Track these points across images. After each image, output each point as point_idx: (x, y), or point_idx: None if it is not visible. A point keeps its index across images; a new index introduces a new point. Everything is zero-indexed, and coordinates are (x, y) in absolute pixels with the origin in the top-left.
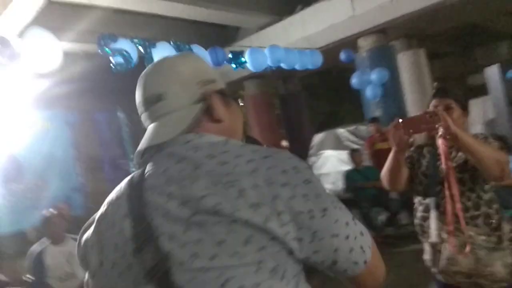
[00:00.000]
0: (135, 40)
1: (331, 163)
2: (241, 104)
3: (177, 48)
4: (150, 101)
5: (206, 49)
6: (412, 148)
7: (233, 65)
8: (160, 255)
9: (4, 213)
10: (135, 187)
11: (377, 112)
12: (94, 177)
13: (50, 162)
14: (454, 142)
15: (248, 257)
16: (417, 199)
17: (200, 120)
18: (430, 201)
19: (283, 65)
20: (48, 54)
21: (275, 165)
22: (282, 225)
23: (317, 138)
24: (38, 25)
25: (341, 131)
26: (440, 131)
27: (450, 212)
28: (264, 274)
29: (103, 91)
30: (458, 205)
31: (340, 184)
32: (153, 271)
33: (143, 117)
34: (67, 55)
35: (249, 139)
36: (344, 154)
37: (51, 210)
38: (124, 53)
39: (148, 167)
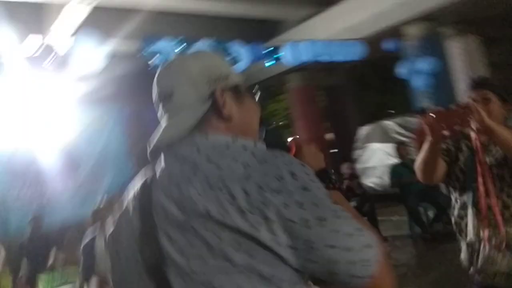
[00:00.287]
0: (176, 40)
1: (378, 156)
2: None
3: (218, 45)
4: (162, 99)
5: (246, 45)
6: (450, 141)
7: (270, 61)
8: (160, 254)
9: (64, 204)
10: (147, 186)
11: (426, 103)
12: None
13: (105, 155)
14: (488, 136)
15: (239, 263)
16: (454, 196)
17: (209, 119)
18: (467, 198)
19: (323, 58)
20: (97, 55)
21: (271, 170)
22: (273, 234)
23: (363, 130)
24: (87, 29)
25: (388, 123)
26: (473, 124)
27: (484, 208)
28: (256, 281)
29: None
30: (494, 201)
31: (386, 179)
32: (154, 269)
33: (159, 114)
34: (117, 55)
35: (270, 134)
36: (391, 147)
37: (104, 201)
38: (163, 53)
39: (157, 167)
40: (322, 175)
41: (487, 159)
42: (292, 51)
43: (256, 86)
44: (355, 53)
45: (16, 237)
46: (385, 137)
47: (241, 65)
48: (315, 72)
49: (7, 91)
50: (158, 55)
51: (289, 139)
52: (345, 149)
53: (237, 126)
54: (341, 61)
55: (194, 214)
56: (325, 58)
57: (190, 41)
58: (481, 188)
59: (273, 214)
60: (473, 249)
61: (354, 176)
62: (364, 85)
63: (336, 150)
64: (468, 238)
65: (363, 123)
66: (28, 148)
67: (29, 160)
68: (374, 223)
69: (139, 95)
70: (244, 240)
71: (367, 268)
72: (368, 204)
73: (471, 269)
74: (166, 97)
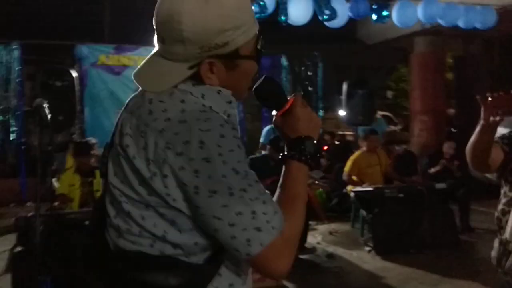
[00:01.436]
0: None
1: None
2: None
3: None
4: (156, 34)
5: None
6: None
7: (374, 17)
8: (105, 162)
9: None
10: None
11: None
12: (251, 115)
13: None
14: None
15: (141, 195)
16: (503, 189)
17: (192, 79)
18: None
19: (440, 22)
20: None
21: (182, 133)
22: (165, 187)
23: None
24: None
25: None
26: None
27: None
28: (152, 213)
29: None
30: None
31: None
32: (102, 173)
33: (154, 41)
34: None
35: (267, 83)
36: None
37: None
38: (261, 2)
39: (134, 98)
40: (296, 143)
41: None
42: (401, 11)
43: (262, 42)
44: (481, 21)
45: None
46: None
47: (338, 21)
48: (447, 37)
49: None
50: (255, 2)
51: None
52: (468, 130)
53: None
54: (463, 27)
55: (122, 144)
56: (442, 22)
57: None
58: None
59: (168, 171)
60: (504, 249)
61: (455, 158)
62: (503, 60)
63: (455, 130)
64: (504, 236)
65: None
66: None
67: None
68: (464, 211)
69: None
70: (145, 181)
71: (247, 247)
72: (463, 190)
73: (499, 268)
74: (158, 37)
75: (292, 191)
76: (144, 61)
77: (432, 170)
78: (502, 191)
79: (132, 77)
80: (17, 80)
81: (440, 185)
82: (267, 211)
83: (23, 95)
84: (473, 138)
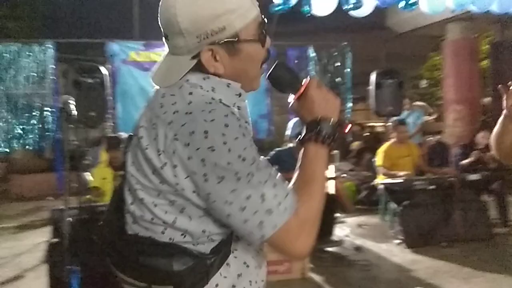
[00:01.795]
0: None
1: None
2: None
3: None
4: (163, 35)
5: None
6: None
7: (402, 4)
8: (126, 152)
9: None
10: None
11: None
12: (279, 107)
13: None
14: None
15: (153, 183)
16: None
17: (197, 70)
18: None
19: (472, 8)
20: None
21: (188, 123)
22: (175, 176)
23: None
24: None
25: None
26: None
27: None
28: (163, 200)
29: (296, 30)
30: None
31: None
32: (123, 164)
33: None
34: None
35: (280, 68)
36: None
37: None
38: None
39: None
40: (312, 125)
41: None
42: None
43: (263, 23)
44: None
45: None
46: None
47: (364, 10)
48: (483, 23)
49: None
50: None
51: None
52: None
53: (227, 76)
54: (499, 12)
55: (137, 135)
56: (474, 8)
57: None
58: None
59: (178, 161)
60: None
61: (489, 149)
62: None
63: (489, 119)
64: None
65: None
66: None
67: None
68: (501, 203)
69: (285, 36)
70: (157, 169)
71: (261, 230)
72: (498, 182)
73: None
74: (164, 35)
75: (309, 172)
76: (158, 62)
77: (465, 161)
78: None
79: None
80: (51, 77)
81: (473, 177)
82: (278, 193)
83: (58, 92)
84: (496, 128)
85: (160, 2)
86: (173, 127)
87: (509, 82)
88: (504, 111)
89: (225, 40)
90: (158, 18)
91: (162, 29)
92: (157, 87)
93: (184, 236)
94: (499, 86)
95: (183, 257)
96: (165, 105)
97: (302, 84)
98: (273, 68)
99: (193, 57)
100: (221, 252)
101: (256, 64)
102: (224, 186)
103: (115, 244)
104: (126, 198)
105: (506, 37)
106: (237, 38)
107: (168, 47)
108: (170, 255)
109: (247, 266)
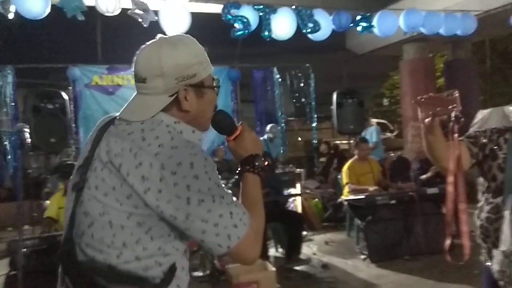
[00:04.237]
0: (256, 7)
1: None
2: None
3: (298, 13)
4: (137, 80)
5: (337, 12)
6: (486, 133)
7: (359, 29)
8: (83, 177)
9: None
10: (102, 129)
11: None
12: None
13: None
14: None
15: (125, 206)
16: (484, 196)
17: (170, 108)
18: (503, 201)
19: (422, 30)
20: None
21: (176, 156)
22: (157, 200)
23: (481, 114)
24: None
25: (510, 109)
26: (453, 114)
27: None
28: (131, 223)
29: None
30: None
31: None
32: (77, 186)
33: (135, 86)
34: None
35: (220, 114)
36: None
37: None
38: (244, 19)
39: (117, 122)
40: (248, 160)
41: None
42: (383, 21)
43: (217, 79)
44: (462, 27)
45: None
46: (504, 123)
47: (322, 34)
48: (436, 43)
49: None
50: (236, 22)
51: (239, 123)
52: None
53: (192, 116)
54: (444, 35)
55: (112, 161)
56: (424, 30)
57: (270, 9)
58: None
59: (164, 187)
60: (509, 261)
61: None
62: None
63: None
64: (505, 247)
65: (485, 106)
66: None
67: None
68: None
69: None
70: (134, 195)
71: (228, 241)
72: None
73: (506, 284)
74: (140, 80)
75: (252, 196)
76: (127, 103)
77: (424, 176)
78: (483, 198)
79: (118, 114)
80: (11, 104)
81: (431, 190)
82: (239, 211)
83: (17, 119)
84: (423, 144)
85: (140, 51)
86: (160, 158)
87: (419, 97)
88: (421, 125)
89: (195, 84)
90: (135, 66)
91: (138, 74)
92: (119, 116)
93: (136, 261)
94: (413, 101)
95: (136, 283)
96: (147, 138)
97: (237, 127)
98: (215, 114)
99: (171, 95)
100: (168, 277)
101: (211, 108)
102: (203, 207)
103: (71, 269)
104: (82, 221)
105: (458, 56)
106: (202, 84)
107: (142, 88)
108: (123, 282)
109: (184, 281)
